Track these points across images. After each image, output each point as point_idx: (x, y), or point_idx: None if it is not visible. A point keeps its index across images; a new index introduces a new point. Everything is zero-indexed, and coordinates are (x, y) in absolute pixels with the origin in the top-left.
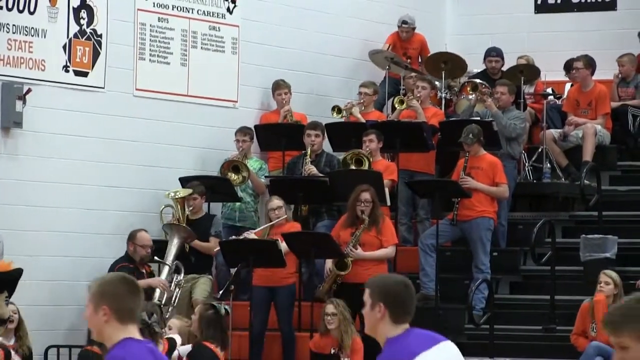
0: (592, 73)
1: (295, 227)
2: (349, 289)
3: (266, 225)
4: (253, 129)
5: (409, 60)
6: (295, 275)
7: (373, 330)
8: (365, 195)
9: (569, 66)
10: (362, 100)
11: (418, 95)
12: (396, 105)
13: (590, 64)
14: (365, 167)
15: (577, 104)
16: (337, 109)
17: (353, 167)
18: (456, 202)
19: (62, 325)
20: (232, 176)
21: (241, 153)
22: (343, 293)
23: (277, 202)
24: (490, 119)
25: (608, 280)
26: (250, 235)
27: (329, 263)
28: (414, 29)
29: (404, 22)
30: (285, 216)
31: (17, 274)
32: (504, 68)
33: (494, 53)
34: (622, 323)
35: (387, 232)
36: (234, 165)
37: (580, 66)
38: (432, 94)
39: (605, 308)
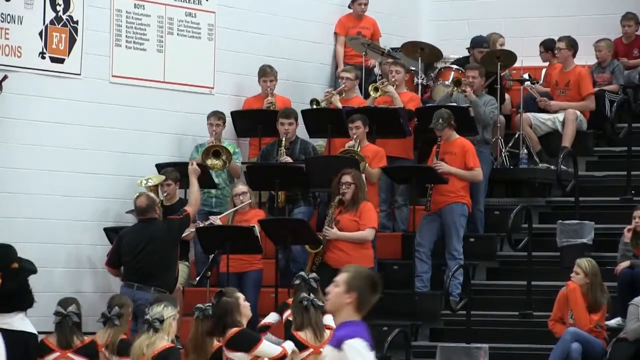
0: (574, 55)
1: (259, 214)
2: (330, 273)
3: (230, 211)
4: (230, 115)
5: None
6: (262, 261)
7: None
8: (346, 178)
9: (547, 46)
10: (343, 86)
11: (393, 79)
12: (371, 93)
13: (572, 45)
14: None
15: (555, 84)
16: (315, 102)
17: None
18: (429, 189)
19: (37, 312)
20: (213, 161)
21: (216, 138)
22: (323, 277)
23: (241, 187)
24: (467, 104)
25: (578, 270)
26: (217, 220)
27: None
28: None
29: None
30: (250, 201)
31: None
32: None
33: (485, 45)
34: None
35: (365, 215)
36: (214, 151)
37: (562, 46)
38: (406, 77)
39: (579, 296)
